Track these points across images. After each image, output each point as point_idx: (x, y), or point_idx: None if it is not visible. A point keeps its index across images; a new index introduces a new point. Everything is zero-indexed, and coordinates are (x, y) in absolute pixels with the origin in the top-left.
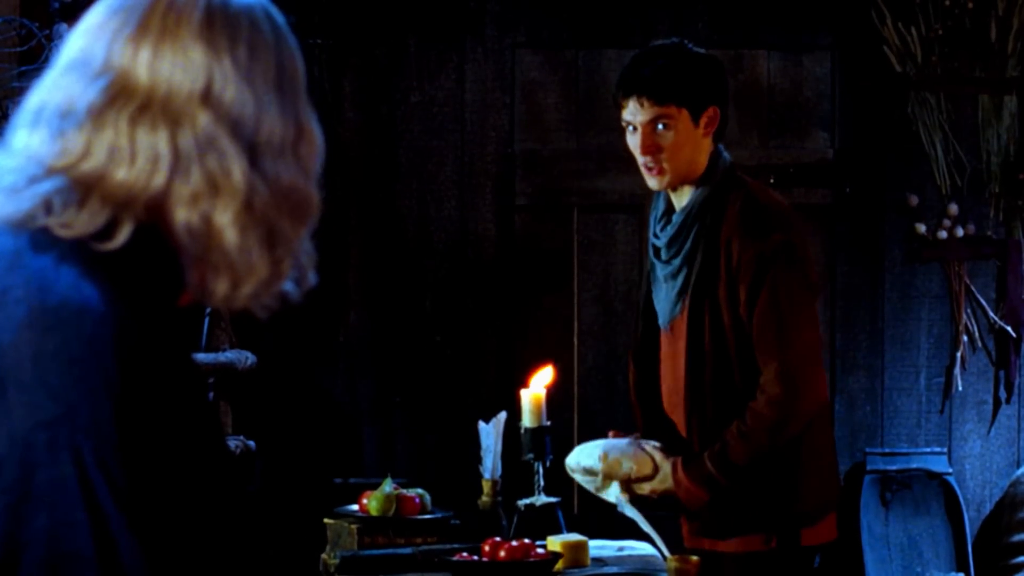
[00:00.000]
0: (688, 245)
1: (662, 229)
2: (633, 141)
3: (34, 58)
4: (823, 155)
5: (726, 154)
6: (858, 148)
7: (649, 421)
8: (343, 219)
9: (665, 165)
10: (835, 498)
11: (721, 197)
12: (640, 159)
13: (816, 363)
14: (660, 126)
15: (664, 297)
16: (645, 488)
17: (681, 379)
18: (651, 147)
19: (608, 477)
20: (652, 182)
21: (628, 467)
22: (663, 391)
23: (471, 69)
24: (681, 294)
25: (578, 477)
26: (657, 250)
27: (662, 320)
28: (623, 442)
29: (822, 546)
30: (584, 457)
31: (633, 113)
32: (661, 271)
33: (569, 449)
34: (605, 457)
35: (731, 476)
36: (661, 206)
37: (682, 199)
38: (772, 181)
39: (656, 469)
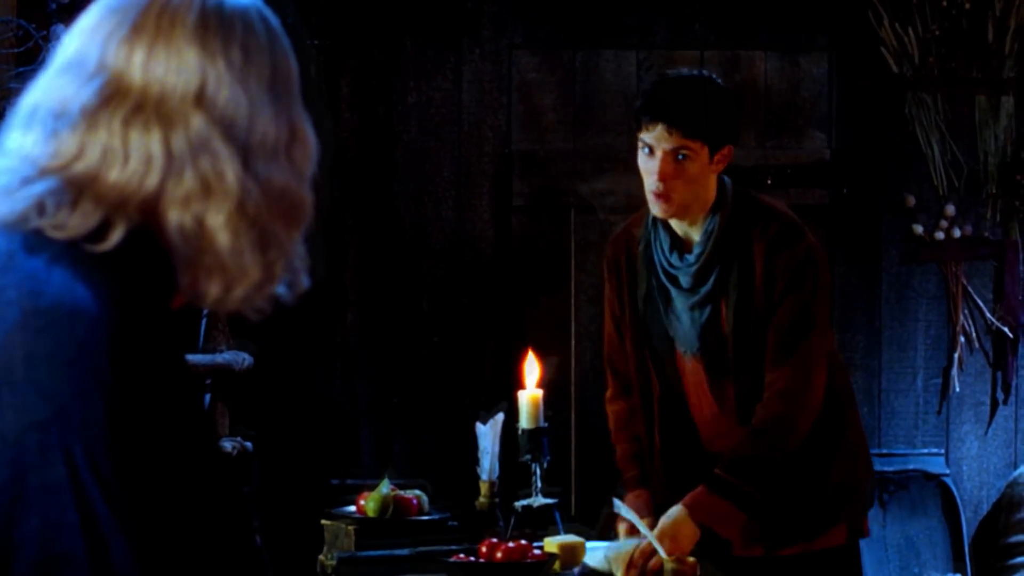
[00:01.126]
0: (717, 270)
1: (680, 259)
2: (649, 165)
3: (31, 59)
4: (820, 156)
5: (727, 177)
6: (855, 149)
7: (635, 454)
8: (340, 219)
9: (674, 195)
10: (870, 489)
11: (742, 220)
12: (652, 185)
13: (822, 368)
14: (680, 156)
15: (689, 326)
16: (662, 554)
17: (731, 403)
18: (669, 175)
19: (620, 563)
20: (657, 209)
21: (632, 546)
22: (698, 421)
23: (468, 70)
24: (713, 320)
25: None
26: (675, 281)
27: (687, 349)
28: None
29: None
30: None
31: (657, 139)
32: (684, 302)
33: (566, 450)
34: (609, 560)
35: (747, 477)
36: (665, 240)
37: (695, 229)
38: (769, 182)
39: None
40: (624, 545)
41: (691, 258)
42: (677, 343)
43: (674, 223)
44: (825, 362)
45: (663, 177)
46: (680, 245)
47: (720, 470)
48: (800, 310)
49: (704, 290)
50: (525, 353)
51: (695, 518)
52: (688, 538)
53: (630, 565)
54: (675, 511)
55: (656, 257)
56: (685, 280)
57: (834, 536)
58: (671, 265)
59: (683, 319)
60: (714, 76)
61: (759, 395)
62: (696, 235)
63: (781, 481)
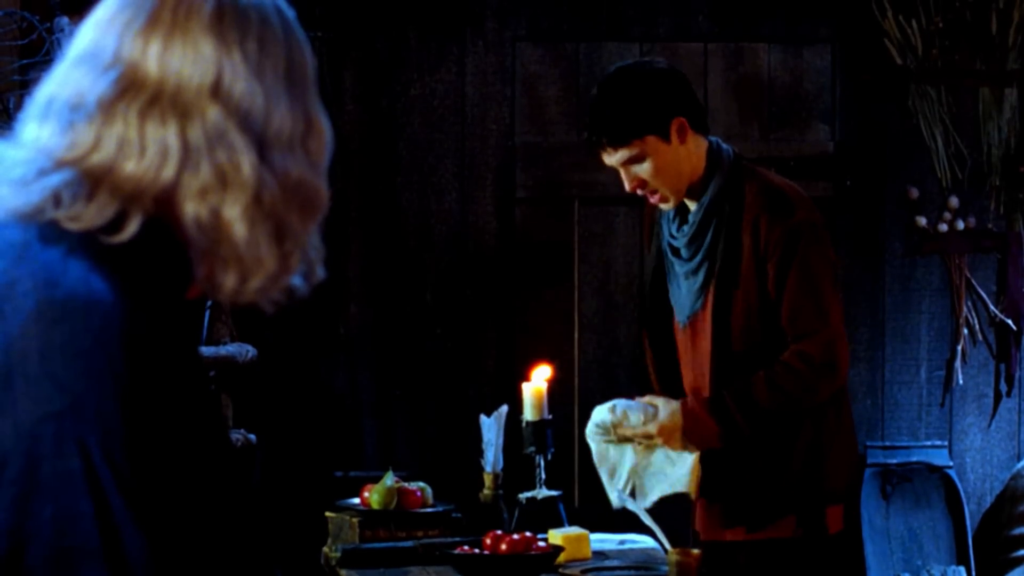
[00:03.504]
0: (709, 237)
1: (678, 229)
2: (624, 179)
3: (35, 52)
4: (824, 148)
5: (725, 145)
6: (859, 141)
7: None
8: (343, 212)
9: (659, 190)
10: (853, 479)
11: (736, 185)
12: (638, 193)
13: (844, 341)
14: (634, 166)
15: (685, 293)
16: (652, 428)
17: (706, 373)
18: (636, 183)
19: (620, 432)
20: (662, 207)
21: (636, 419)
22: (685, 387)
23: (472, 62)
24: (704, 287)
25: (594, 446)
26: (676, 250)
27: (681, 317)
28: (632, 401)
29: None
30: (596, 415)
31: (608, 158)
32: (680, 268)
33: (570, 442)
34: (613, 409)
35: (748, 414)
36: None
37: (693, 198)
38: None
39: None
40: (629, 401)
41: (687, 228)
42: (676, 312)
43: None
44: (845, 338)
45: (633, 187)
46: (683, 213)
47: (727, 394)
48: (808, 282)
49: (697, 258)
50: (536, 363)
51: (683, 424)
52: (677, 440)
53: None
54: (674, 410)
55: (664, 226)
56: (682, 249)
57: (779, 528)
58: (671, 235)
59: (681, 286)
60: (629, 64)
61: (736, 368)
62: (693, 204)
63: (769, 428)
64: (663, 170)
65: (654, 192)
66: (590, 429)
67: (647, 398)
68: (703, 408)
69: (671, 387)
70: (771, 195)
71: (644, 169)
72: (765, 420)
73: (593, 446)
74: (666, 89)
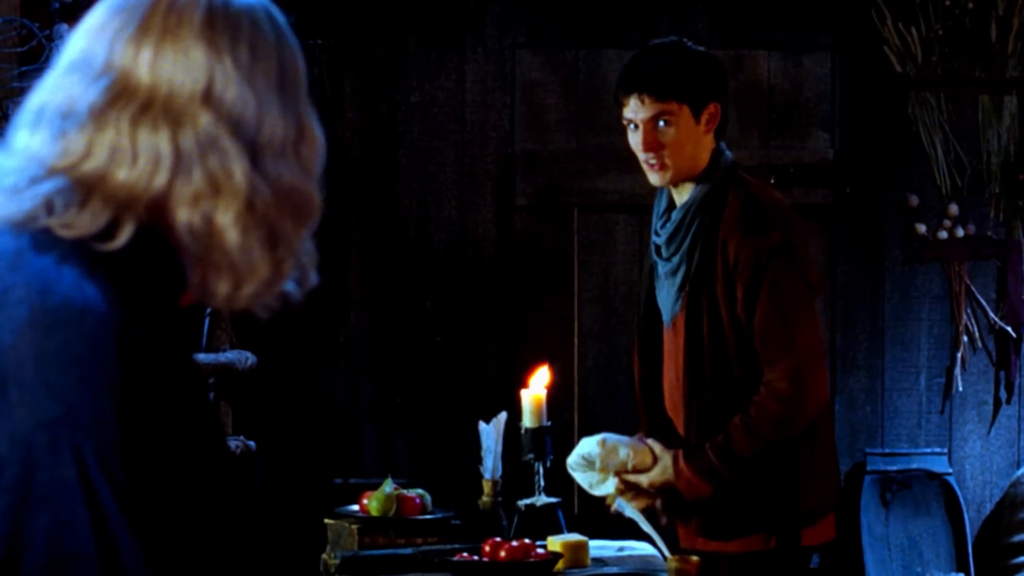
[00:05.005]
0: (687, 242)
1: (662, 227)
2: (635, 139)
3: (34, 58)
4: (823, 155)
5: (728, 152)
6: (858, 148)
7: (652, 421)
8: (343, 219)
9: (667, 161)
10: (835, 497)
11: (720, 194)
12: (641, 156)
13: (820, 362)
14: (661, 123)
15: (666, 294)
16: (643, 480)
17: (681, 376)
18: (653, 143)
19: (605, 466)
20: (654, 178)
21: (625, 454)
22: (665, 389)
23: (471, 69)
24: (680, 290)
25: (577, 475)
26: (658, 248)
27: (665, 317)
28: (623, 437)
29: (821, 546)
30: (583, 446)
31: (634, 111)
32: (662, 268)
33: (570, 449)
34: (603, 443)
35: (734, 468)
36: (663, 204)
37: (683, 196)
38: (773, 181)
39: (655, 460)
40: (619, 436)
41: (669, 226)
42: (662, 311)
43: (672, 189)
44: (821, 358)
45: (648, 147)
46: (671, 211)
47: (710, 450)
48: (776, 307)
49: (675, 260)
50: (537, 365)
51: (678, 484)
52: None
53: (620, 474)
54: (667, 468)
55: (652, 221)
56: (663, 247)
57: (749, 543)
58: (655, 232)
59: (664, 285)
60: (686, 41)
61: (708, 372)
62: (681, 201)
63: (755, 472)
64: (682, 145)
65: (661, 162)
66: (573, 459)
67: (639, 439)
68: (694, 473)
69: (651, 397)
70: (749, 212)
71: (668, 133)
72: (749, 467)
73: (576, 476)
74: (714, 71)
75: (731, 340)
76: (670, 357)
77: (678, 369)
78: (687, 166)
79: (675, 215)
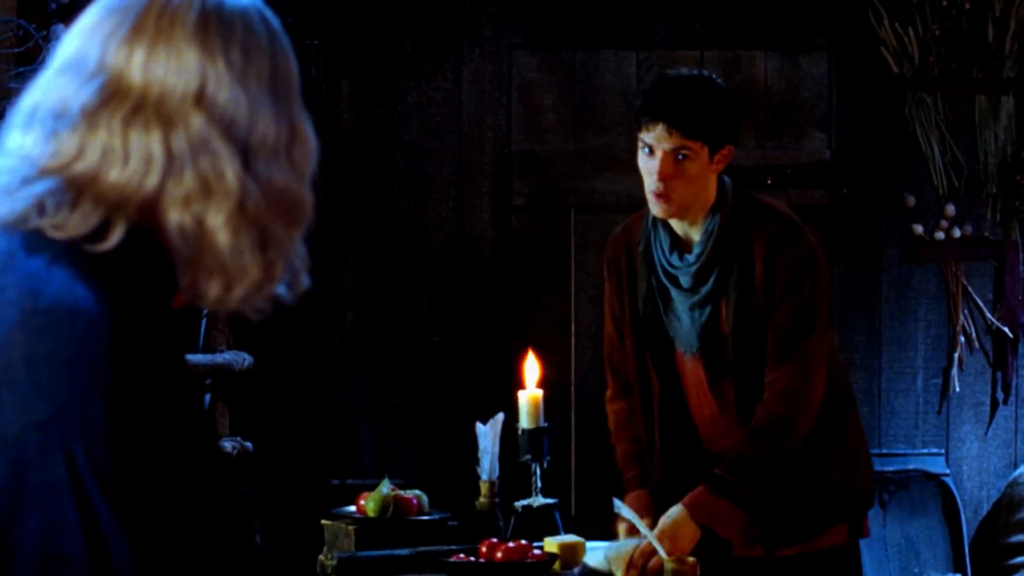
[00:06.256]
0: (717, 271)
1: (680, 259)
2: (650, 164)
3: (31, 59)
4: (820, 156)
5: (727, 178)
6: (855, 149)
7: (635, 454)
8: (340, 220)
9: (674, 195)
10: (872, 487)
11: (742, 220)
12: (652, 185)
13: (822, 369)
14: (680, 156)
15: (689, 326)
16: (662, 554)
17: (731, 403)
18: (669, 175)
19: (620, 563)
20: (658, 209)
21: (631, 546)
22: (698, 421)
23: (468, 70)
24: (712, 320)
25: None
26: (675, 281)
27: (686, 349)
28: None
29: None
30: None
31: (657, 138)
32: (684, 301)
33: (566, 450)
34: (609, 560)
35: (747, 478)
36: (665, 239)
37: (695, 229)
38: (769, 182)
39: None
40: (624, 545)
41: (691, 258)
42: (677, 343)
43: (674, 223)
44: (825, 362)
45: (663, 177)
46: (680, 245)
47: (720, 470)
48: (800, 310)
49: (704, 290)
50: (525, 353)
51: (695, 518)
52: (688, 538)
53: (630, 565)
54: (675, 511)
55: (656, 257)
56: (685, 280)
57: (833, 536)
58: (671, 265)
59: (683, 319)
60: (715, 77)
61: (759, 395)
62: (696, 235)
63: (781, 481)
64: (694, 180)
65: (671, 194)
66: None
67: (640, 531)
68: (708, 494)
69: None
70: (780, 224)
71: (684, 168)
72: (763, 474)
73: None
74: (738, 115)
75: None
76: (700, 387)
77: (709, 396)
78: (690, 202)
79: (698, 247)
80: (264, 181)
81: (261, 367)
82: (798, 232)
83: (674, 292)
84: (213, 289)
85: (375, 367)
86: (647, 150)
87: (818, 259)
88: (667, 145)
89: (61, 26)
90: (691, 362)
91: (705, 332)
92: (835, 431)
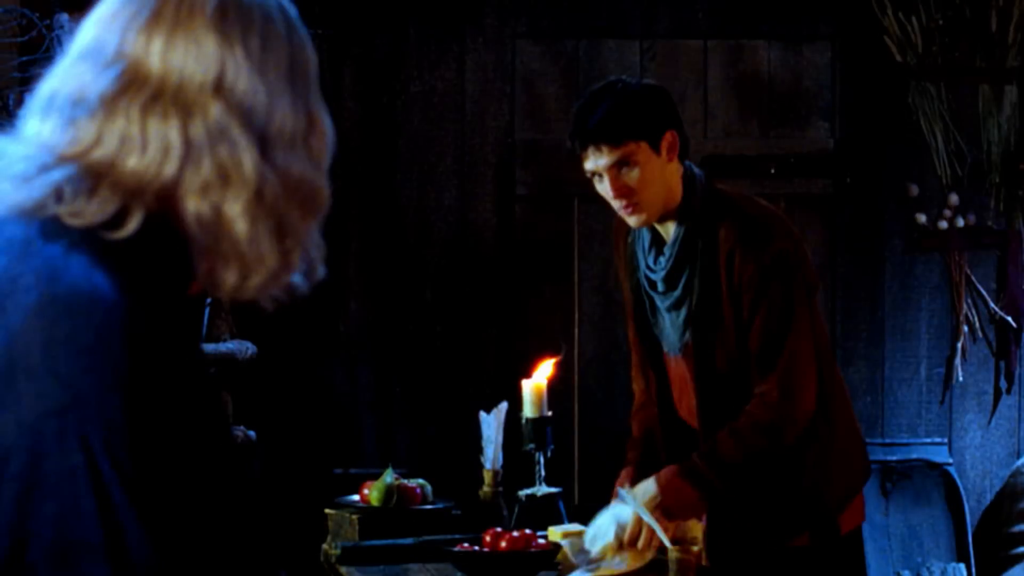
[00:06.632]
0: (686, 273)
1: (655, 261)
2: (603, 188)
3: (34, 48)
4: (823, 145)
5: (697, 170)
6: (858, 138)
7: (640, 438)
8: (343, 209)
9: (640, 202)
10: (861, 479)
11: (709, 218)
12: (615, 204)
13: (810, 371)
14: (624, 166)
15: (670, 326)
16: (666, 543)
17: (694, 403)
18: (622, 189)
19: (610, 551)
20: (633, 221)
21: (617, 532)
22: (683, 414)
23: (471, 59)
24: (687, 321)
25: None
26: (652, 283)
27: (669, 347)
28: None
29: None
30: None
31: (595, 161)
32: (662, 302)
33: (570, 439)
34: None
35: (721, 474)
36: (647, 236)
37: (668, 228)
38: (773, 171)
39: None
40: (606, 529)
41: (663, 260)
42: (663, 342)
43: (657, 224)
44: (812, 363)
45: (619, 194)
46: (659, 243)
47: (697, 457)
48: (774, 316)
49: (675, 294)
50: (543, 358)
51: (664, 502)
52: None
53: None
54: (650, 490)
55: (639, 256)
56: (659, 283)
57: (799, 540)
58: (648, 267)
59: (665, 319)
60: (624, 78)
61: (734, 401)
62: (670, 234)
63: (752, 484)
64: (651, 181)
65: (636, 204)
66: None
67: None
68: (677, 475)
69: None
70: (745, 227)
71: (633, 176)
72: (738, 475)
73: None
74: (661, 102)
75: (743, 356)
76: (683, 384)
77: (690, 396)
78: (661, 202)
79: (668, 250)
80: (282, 170)
81: (264, 356)
82: (767, 234)
83: (654, 293)
84: (230, 278)
85: (378, 356)
86: (597, 177)
87: (791, 261)
88: (605, 161)
89: (64, 15)
90: (675, 361)
91: (683, 333)
92: (811, 435)
